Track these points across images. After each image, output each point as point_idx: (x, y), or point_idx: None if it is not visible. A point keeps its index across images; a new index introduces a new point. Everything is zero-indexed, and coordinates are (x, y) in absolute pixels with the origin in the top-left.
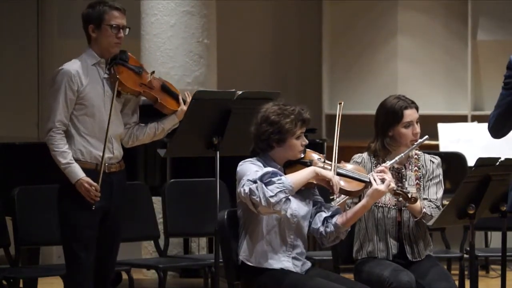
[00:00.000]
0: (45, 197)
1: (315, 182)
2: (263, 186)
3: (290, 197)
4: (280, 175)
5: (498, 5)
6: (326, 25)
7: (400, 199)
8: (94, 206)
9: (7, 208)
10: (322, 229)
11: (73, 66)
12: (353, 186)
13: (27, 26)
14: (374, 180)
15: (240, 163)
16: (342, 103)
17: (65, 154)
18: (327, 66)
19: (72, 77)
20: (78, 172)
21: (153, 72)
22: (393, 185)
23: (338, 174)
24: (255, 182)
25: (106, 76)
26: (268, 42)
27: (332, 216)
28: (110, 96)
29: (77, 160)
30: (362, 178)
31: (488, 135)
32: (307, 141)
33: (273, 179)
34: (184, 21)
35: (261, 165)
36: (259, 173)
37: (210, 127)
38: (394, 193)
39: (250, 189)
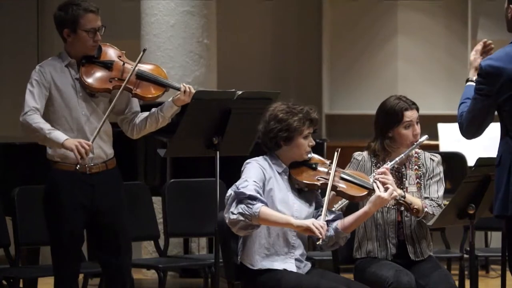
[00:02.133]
0: None
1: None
2: (235, 200)
3: (292, 198)
4: (259, 202)
5: (498, 5)
6: (326, 25)
7: (402, 208)
8: (77, 167)
9: (7, 208)
10: None
11: (45, 66)
12: (356, 192)
13: (27, 26)
14: (378, 187)
15: (246, 161)
16: (339, 149)
17: (46, 124)
18: (327, 66)
19: (42, 75)
20: (63, 134)
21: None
22: (396, 193)
23: (342, 179)
24: (234, 191)
25: (78, 76)
26: (268, 42)
27: (333, 221)
28: (85, 96)
29: (55, 162)
30: (366, 185)
31: (489, 135)
32: (314, 142)
33: (246, 199)
34: (184, 21)
35: (267, 166)
36: (244, 184)
37: (210, 127)
38: (397, 202)
39: (230, 194)
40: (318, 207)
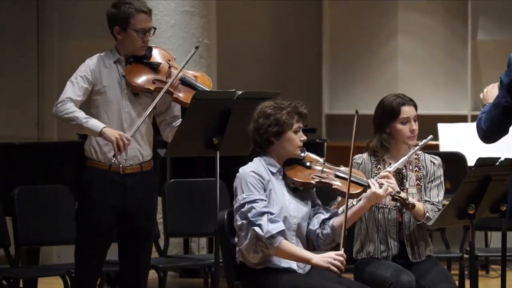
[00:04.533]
0: (45, 197)
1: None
2: (255, 238)
3: (288, 198)
4: (276, 239)
5: (498, 5)
6: (326, 25)
7: (398, 204)
8: (113, 160)
9: (7, 208)
10: (318, 231)
11: (95, 60)
12: (352, 189)
13: (27, 27)
14: (373, 184)
15: (240, 169)
16: (357, 111)
17: (80, 112)
18: (327, 66)
19: (90, 69)
20: (99, 122)
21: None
22: (390, 189)
23: (337, 176)
24: (245, 219)
25: (124, 74)
26: (268, 42)
27: (329, 218)
28: (129, 94)
29: (89, 159)
30: (361, 182)
31: None
32: (305, 137)
33: (265, 238)
34: (184, 21)
35: (262, 169)
36: (254, 213)
37: (210, 127)
38: (393, 198)
39: (242, 224)
40: (314, 205)
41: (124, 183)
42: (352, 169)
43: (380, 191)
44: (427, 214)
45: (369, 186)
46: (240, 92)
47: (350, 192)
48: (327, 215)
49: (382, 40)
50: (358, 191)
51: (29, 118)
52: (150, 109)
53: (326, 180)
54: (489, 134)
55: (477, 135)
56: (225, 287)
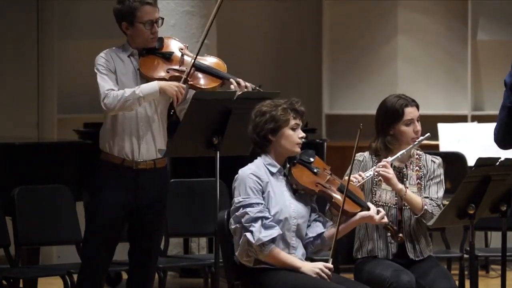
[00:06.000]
0: (45, 197)
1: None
2: (246, 243)
3: (288, 198)
4: (268, 246)
5: (498, 5)
6: (326, 25)
7: (389, 234)
8: (171, 112)
9: (7, 208)
10: (312, 239)
11: (106, 53)
12: (350, 207)
13: (27, 27)
14: (372, 207)
15: (240, 170)
16: (362, 125)
17: (127, 91)
18: (327, 66)
19: (105, 59)
20: (148, 84)
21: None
22: (386, 220)
23: (339, 190)
24: (239, 223)
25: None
26: (268, 42)
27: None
28: None
29: (103, 152)
30: (361, 203)
31: (488, 134)
32: (304, 134)
33: (257, 245)
34: (184, 21)
35: (262, 170)
36: (248, 219)
37: (210, 127)
38: (385, 227)
39: (236, 227)
40: (314, 211)
41: (137, 179)
42: (356, 189)
43: (376, 217)
44: (425, 207)
45: (367, 208)
46: (240, 92)
47: (348, 210)
48: (325, 229)
49: (382, 40)
50: (356, 211)
51: (29, 118)
52: (188, 70)
53: (329, 191)
54: (501, 136)
55: (477, 135)
56: (225, 287)
